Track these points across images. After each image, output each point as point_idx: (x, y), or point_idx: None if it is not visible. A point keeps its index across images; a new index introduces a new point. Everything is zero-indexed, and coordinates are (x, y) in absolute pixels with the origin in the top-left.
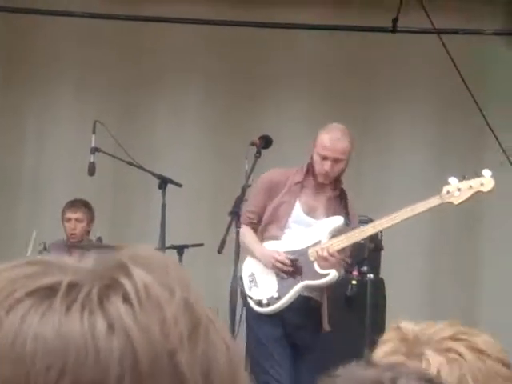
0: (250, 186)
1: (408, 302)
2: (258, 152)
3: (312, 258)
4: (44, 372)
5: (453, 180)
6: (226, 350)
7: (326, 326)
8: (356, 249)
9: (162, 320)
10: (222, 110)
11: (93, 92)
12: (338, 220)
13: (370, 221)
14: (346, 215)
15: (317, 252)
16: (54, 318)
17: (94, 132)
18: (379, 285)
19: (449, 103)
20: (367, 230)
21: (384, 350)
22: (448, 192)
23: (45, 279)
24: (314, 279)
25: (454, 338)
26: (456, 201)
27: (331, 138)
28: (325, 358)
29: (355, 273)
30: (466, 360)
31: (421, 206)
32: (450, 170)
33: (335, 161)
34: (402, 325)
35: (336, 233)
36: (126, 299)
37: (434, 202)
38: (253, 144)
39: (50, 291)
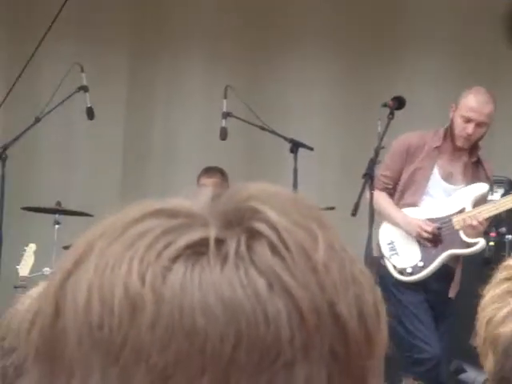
0: (383, 147)
1: None
2: (391, 113)
3: (458, 227)
4: (218, 344)
5: None
6: (368, 282)
7: (453, 294)
8: None
9: (314, 269)
10: (353, 71)
11: (223, 56)
12: (483, 187)
13: (509, 181)
14: (487, 181)
15: (464, 220)
16: (212, 283)
17: (225, 97)
18: None
19: None
20: None
21: (501, 289)
22: None
23: (187, 235)
24: (460, 248)
25: None
26: None
27: (478, 101)
28: (462, 319)
29: (493, 234)
30: None
31: None
32: None
33: (479, 124)
34: None
35: (478, 200)
36: (274, 251)
37: None
38: (386, 105)
39: (197, 250)
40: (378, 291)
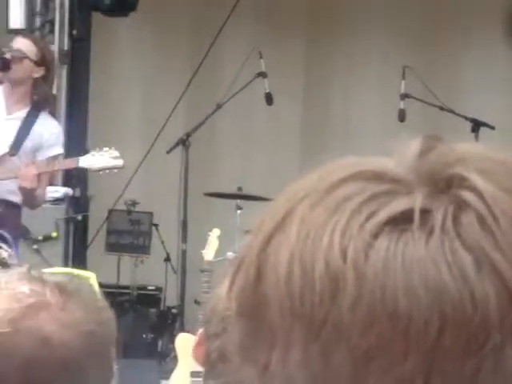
0: None
1: None
2: None
3: None
4: (423, 328)
5: None
6: None
7: None
8: None
9: None
10: None
11: (401, 37)
12: None
13: None
14: None
15: None
16: (416, 261)
17: (403, 78)
18: None
19: None
20: None
21: None
22: None
23: (391, 206)
24: None
25: None
26: None
27: None
28: None
29: None
30: None
31: None
32: None
33: None
34: None
35: None
36: (483, 224)
37: None
38: None
39: (400, 224)
40: None
